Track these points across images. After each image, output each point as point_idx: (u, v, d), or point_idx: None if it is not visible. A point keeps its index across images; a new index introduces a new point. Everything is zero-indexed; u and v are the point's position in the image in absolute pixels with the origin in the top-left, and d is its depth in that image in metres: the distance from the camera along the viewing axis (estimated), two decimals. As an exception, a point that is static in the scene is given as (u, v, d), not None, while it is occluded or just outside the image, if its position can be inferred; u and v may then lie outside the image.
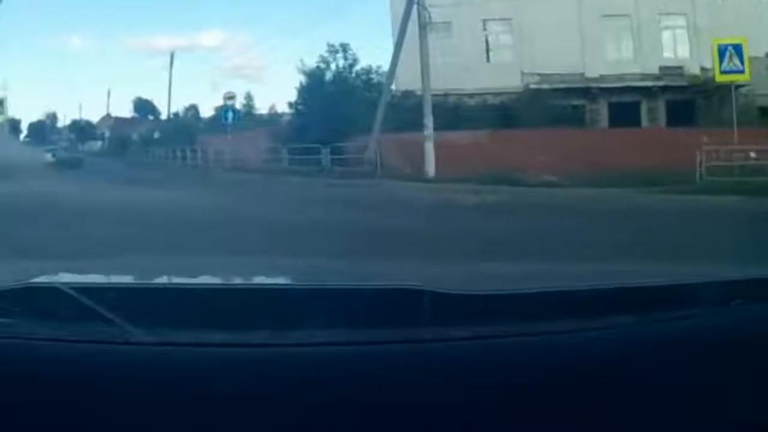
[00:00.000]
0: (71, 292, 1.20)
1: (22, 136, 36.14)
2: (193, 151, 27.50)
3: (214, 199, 13.53)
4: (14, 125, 34.48)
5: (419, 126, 18.33)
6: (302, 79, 23.66)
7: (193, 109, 33.94)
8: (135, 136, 34.43)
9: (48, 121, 39.63)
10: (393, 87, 20.97)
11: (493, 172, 15.89)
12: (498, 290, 1.38)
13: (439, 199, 13.46)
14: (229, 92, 25.77)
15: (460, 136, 18.04)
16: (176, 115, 33.10)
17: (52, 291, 1.24)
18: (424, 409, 1.14)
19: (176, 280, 1.51)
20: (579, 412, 1.16)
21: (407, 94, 21.23)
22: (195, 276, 1.60)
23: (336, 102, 21.47)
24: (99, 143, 36.40)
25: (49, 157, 25.89)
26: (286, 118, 26.74)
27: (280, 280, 1.52)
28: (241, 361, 1.16)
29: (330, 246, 6.43)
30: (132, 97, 36.81)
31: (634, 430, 1.18)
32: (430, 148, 17.94)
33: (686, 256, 4.59)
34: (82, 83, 46.95)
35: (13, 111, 34.00)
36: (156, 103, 35.42)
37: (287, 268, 2.01)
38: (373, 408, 1.13)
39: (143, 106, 36.22)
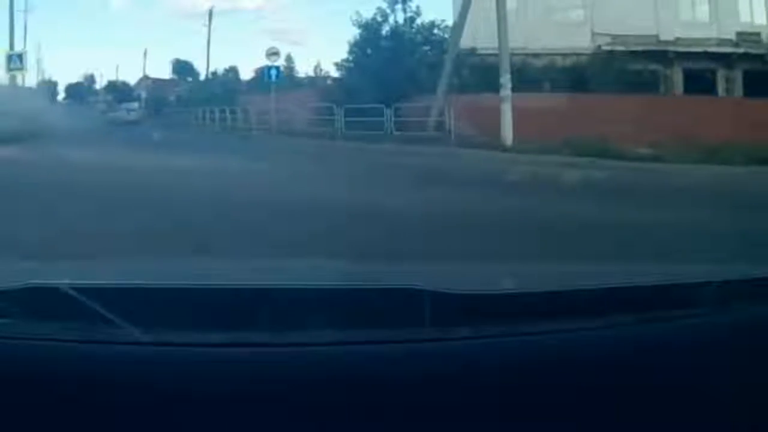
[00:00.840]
0: (71, 292, 1.16)
1: (60, 98, 33.87)
2: (233, 112, 24.77)
3: (265, 170, 10.78)
4: (51, 87, 32.18)
5: (484, 86, 15.46)
6: (357, 33, 20.76)
7: (232, 71, 31.28)
8: (172, 98, 32.01)
9: (85, 83, 37.20)
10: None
11: (578, 141, 12.95)
12: (498, 290, 1.32)
13: (528, 175, 10.67)
14: (271, 48, 23.11)
15: (535, 100, 15.18)
16: (214, 74, 30.37)
17: (52, 291, 1.19)
18: (424, 409, 1.11)
19: (176, 280, 1.43)
20: (579, 412, 1.12)
21: (470, 51, 18.22)
22: (195, 276, 1.54)
23: (395, 59, 18.79)
24: (136, 104, 34.06)
25: (126, 114, 30.11)
26: (330, 81, 23.80)
27: (280, 280, 1.43)
28: (241, 361, 1.12)
29: (413, 235, 5.60)
30: (170, 58, 34.16)
31: (633, 430, 1.13)
32: (507, 111, 15.18)
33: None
34: (119, 44, 44.65)
35: (50, 73, 32.03)
36: (195, 64, 32.72)
37: (287, 268, 1.99)
38: (373, 408, 1.10)
39: (182, 68, 34.02)
